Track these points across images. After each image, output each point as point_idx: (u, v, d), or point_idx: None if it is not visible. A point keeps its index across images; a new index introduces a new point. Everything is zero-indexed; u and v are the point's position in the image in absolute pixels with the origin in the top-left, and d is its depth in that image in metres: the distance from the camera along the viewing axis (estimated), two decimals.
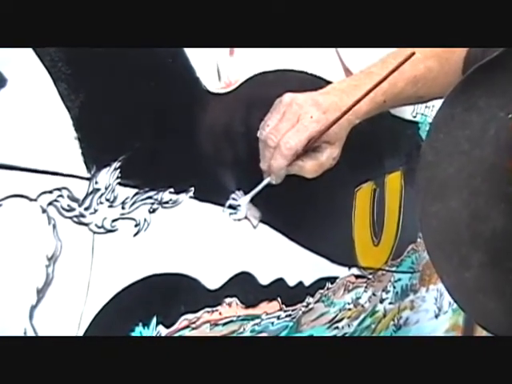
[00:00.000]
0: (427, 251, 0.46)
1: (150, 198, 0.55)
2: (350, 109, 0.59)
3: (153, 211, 0.56)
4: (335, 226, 0.78)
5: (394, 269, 0.95)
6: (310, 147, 0.60)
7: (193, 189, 0.59)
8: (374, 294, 0.90)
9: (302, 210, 0.72)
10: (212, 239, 0.62)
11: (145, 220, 0.55)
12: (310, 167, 0.60)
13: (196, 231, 0.60)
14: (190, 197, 0.59)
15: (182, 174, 0.58)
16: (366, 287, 0.88)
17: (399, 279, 0.97)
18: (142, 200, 0.55)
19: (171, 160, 0.57)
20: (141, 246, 0.55)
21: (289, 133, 0.59)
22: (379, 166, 0.86)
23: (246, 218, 0.65)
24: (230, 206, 0.63)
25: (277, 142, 0.59)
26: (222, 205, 0.63)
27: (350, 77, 0.68)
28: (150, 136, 0.55)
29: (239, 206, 0.64)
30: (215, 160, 0.62)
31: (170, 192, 0.57)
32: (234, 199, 0.64)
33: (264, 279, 0.68)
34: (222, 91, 0.61)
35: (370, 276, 0.89)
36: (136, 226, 0.54)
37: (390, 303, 0.96)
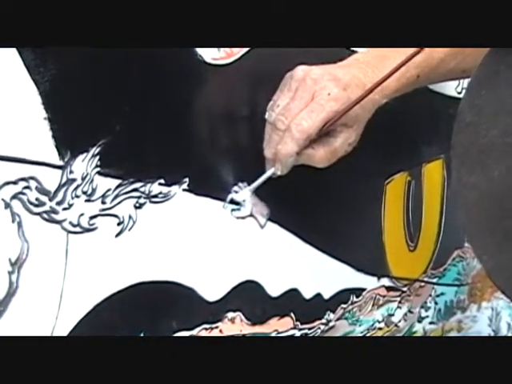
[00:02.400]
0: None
1: (135, 190, 0.56)
2: (376, 86, 0.59)
3: (139, 206, 0.57)
4: (361, 226, 0.79)
5: (435, 280, 0.95)
6: (325, 131, 0.61)
7: (187, 180, 0.60)
8: (410, 311, 0.90)
9: (320, 206, 0.73)
10: (211, 241, 0.63)
11: (130, 217, 0.56)
12: (321, 155, 0.61)
13: (191, 231, 0.61)
14: (184, 189, 0.60)
15: (174, 161, 0.59)
16: (400, 302, 0.88)
17: (442, 293, 0.97)
18: (127, 193, 0.56)
19: (161, 145, 0.58)
20: (125, 248, 0.56)
21: (302, 113, 0.59)
22: (415, 153, 0.86)
23: (251, 215, 0.65)
24: (232, 201, 0.64)
25: (287, 124, 0.59)
26: (223, 199, 0.64)
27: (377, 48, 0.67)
28: (136, 116, 0.56)
29: (243, 200, 0.64)
30: (214, 146, 0.63)
31: (160, 184, 0.58)
32: (236, 193, 0.64)
33: (274, 290, 0.69)
34: (222, 62, 0.62)
35: (405, 288, 0.89)
36: (119, 224, 0.55)
37: (431, 323, 0.96)
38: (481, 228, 0.45)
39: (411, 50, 0.59)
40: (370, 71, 0.62)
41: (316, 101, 0.59)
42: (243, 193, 0.64)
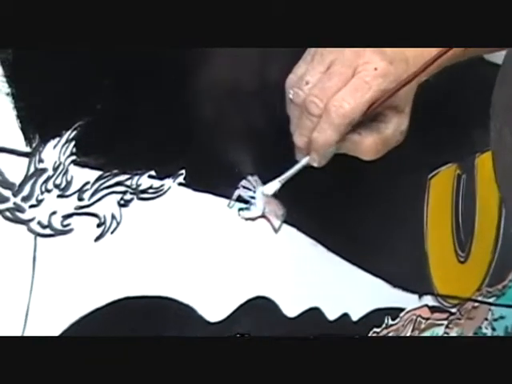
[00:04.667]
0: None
1: (120, 184, 0.57)
2: (432, 62, 0.59)
3: (124, 204, 0.57)
4: (398, 231, 0.79)
5: (492, 300, 0.95)
6: (370, 115, 0.61)
7: (183, 172, 0.60)
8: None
9: (347, 206, 0.73)
10: (213, 247, 0.63)
11: (113, 217, 0.56)
12: (369, 144, 0.62)
13: (189, 235, 0.61)
14: (180, 183, 0.60)
15: (167, 149, 0.60)
16: (447, 327, 0.88)
17: (501, 317, 0.97)
18: (109, 187, 0.56)
19: (152, 129, 0.58)
20: (107, 254, 0.56)
21: (342, 92, 0.60)
22: (466, 141, 0.85)
23: (263, 216, 0.66)
24: (240, 199, 0.64)
25: (323, 107, 0.60)
26: (228, 197, 0.64)
27: None
28: (121, 93, 0.56)
29: (253, 198, 0.65)
30: (217, 130, 0.63)
31: (150, 176, 0.58)
32: (245, 188, 0.65)
33: (291, 309, 0.69)
34: None
35: (454, 309, 0.88)
36: (99, 225, 0.56)
37: None
38: None
39: None
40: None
41: (359, 77, 0.60)
42: (262, 188, 0.64)
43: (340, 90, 0.59)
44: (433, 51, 0.60)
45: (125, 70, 0.56)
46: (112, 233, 0.56)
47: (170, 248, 0.60)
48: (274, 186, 0.64)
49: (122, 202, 0.57)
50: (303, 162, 0.63)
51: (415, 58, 0.61)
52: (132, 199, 0.57)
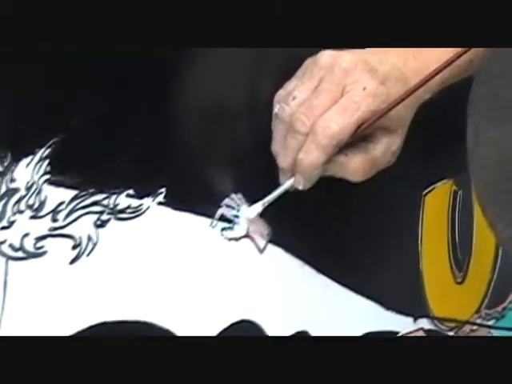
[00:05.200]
0: (478, 193, 0.47)
1: (96, 203, 0.57)
2: (427, 80, 0.60)
3: (101, 225, 0.57)
4: (391, 250, 0.78)
5: (491, 323, 0.94)
6: (359, 136, 0.61)
7: (163, 190, 0.60)
8: None
9: (337, 224, 0.72)
10: (194, 269, 0.63)
11: (89, 238, 0.57)
12: (356, 165, 0.62)
13: (169, 256, 0.61)
14: (160, 203, 0.60)
15: (146, 167, 0.60)
16: None
17: None
18: (85, 207, 0.56)
19: (130, 146, 0.59)
20: (82, 277, 0.56)
21: (330, 112, 0.60)
22: (462, 155, 0.85)
23: (247, 236, 0.65)
24: (223, 218, 0.64)
25: (310, 126, 0.60)
26: (211, 216, 0.64)
27: None
28: (97, 108, 0.57)
29: (237, 217, 0.65)
30: (199, 146, 0.63)
31: (129, 195, 0.59)
32: (229, 207, 0.65)
33: (277, 332, 0.68)
34: None
35: (452, 333, 0.88)
36: (75, 247, 0.56)
37: None
38: (499, 192, 0.46)
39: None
40: (412, 58, 0.62)
41: (348, 96, 0.60)
42: (247, 210, 0.64)
43: (328, 109, 0.60)
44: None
45: (101, 85, 0.57)
46: (88, 255, 0.57)
47: (149, 270, 0.60)
48: (256, 208, 0.64)
49: (99, 222, 0.57)
50: (287, 184, 0.62)
51: (416, 76, 0.61)
52: (109, 219, 0.58)
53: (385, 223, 0.76)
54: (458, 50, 0.59)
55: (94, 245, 0.56)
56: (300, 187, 0.62)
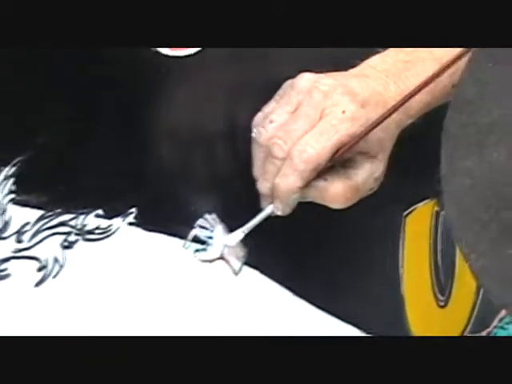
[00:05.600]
0: (451, 222, 0.48)
1: (63, 224, 0.57)
2: (403, 103, 0.60)
3: (68, 246, 0.57)
4: (371, 273, 0.78)
5: None
6: (339, 160, 0.62)
7: (134, 210, 0.60)
8: None
9: (315, 246, 0.73)
10: (166, 292, 0.63)
11: (55, 260, 0.56)
12: (337, 190, 0.62)
13: (140, 279, 0.61)
14: (130, 223, 0.60)
15: (116, 185, 0.60)
16: None
17: None
18: (51, 228, 0.56)
19: (99, 164, 0.59)
20: (48, 301, 0.56)
21: (307, 136, 0.60)
22: None
23: (221, 258, 0.65)
24: (197, 239, 0.64)
25: (287, 151, 0.60)
26: (184, 237, 0.64)
27: (398, 49, 0.68)
28: (65, 125, 0.57)
29: (211, 238, 0.65)
30: (172, 165, 0.63)
31: (98, 215, 0.58)
32: (202, 228, 0.65)
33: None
34: (183, 53, 0.63)
35: None
36: (40, 269, 0.56)
37: None
38: (472, 221, 0.47)
39: (439, 52, 0.60)
40: (392, 83, 0.63)
41: (326, 120, 0.60)
42: (233, 237, 0.64)
43: (306, 133, 0.60)
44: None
45: (69, 100, 0.57)
46: (54, 277, 0.56)
47: (119, 294, 0.60)
48: (237, 236, 0.64)
49: (66, 243, 0.57)
50: (267, 210, 0.63)
51: (396, 101, 0.61)
52: (77, 241, 0.57)
53: (364, 246, 0.76)
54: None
55: (61, 267, 0.56)
56: (279, 213, 0.62)
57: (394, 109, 0.60)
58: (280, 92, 0.63)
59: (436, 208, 0.84)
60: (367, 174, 0.63)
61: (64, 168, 0.57)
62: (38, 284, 0.55)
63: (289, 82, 0.63)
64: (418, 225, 0.82)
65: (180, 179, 0.64)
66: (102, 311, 0.59)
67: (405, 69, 0.64)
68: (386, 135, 0.63)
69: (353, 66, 0.65)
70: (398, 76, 0.63)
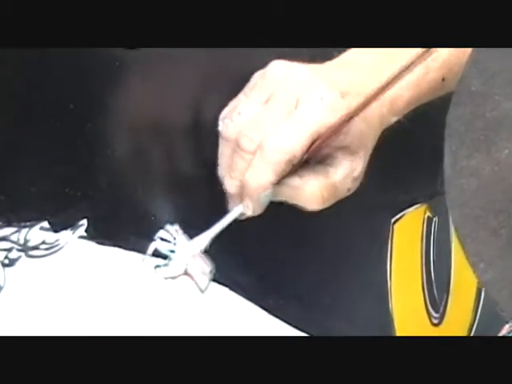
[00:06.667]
0: (456, 229, 0.47)
1: (4, 239, 0.57)
2: (383, 89, 0.59)
3: (10, 263, 0.57)
4: (355, 288, 0.78)
5: None
6: (316, 155, 0.61)
7: (85, 222, 0.60)
8: None
9: (292, 259, 0.72)
10: (125, 313, 0.63)
11: None
12: (312, 190, 0.61)
13: (93, 299, 0.61)
14: (81, 236, 0.60)
15: (64, 194, 0.59)
16: None
17: None
18: None
19: (44, 169, 0.59)
20: None
21: (281, 125, 0.60)
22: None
23: (186, 274, 0.64)
24: (157, 253, 0.63)
25: (258, 143, 0.60)
26: (142, 251, 0.63)
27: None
28: (6, 127, 0.57)
29: (173, 252, 0.63)
30: (128, 168, 0.63)
31: (43, 228, 0.58)
32: (163, 240, 0.64)
33: None
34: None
35: None
36: None
37: None
38: (479, 227, 0.46)
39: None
40: (372, 77, 0.62)
41: (302, 109, 0.60)
42: (196, 243, 0.63)
43: (279, 123, 0.60)
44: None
45: (9, 100, 0.57)
46: None
47: (69, 316, 0.60)
48: (202, 242, 0.63)
49: (7, 261, 0.57)
50: (235, 211, 0.62)
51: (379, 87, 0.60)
52: (19, 257, 0.57)
53: (346, 257, 0.76)
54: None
55: (1, 288, 0.56)
56: (249, 212, 0.62)
57: (375, 95, 0.59)
58: (250, 84, 0.63)
59: (428, 213, 0.85)
60: (346, 172, 0.63)
61: (3, 174, 0.57)
62: None
63: (259, 72, 0.62)
64: (407, 232, 0.83)
65: (137, 185, 0.64)
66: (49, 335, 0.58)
67: (385, 61, 0.63)
68: (367, 129, 0.63)
69: (330, 59, 0.65)
70: (379, 68, 0.63)
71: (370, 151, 0.64)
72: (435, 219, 0.85)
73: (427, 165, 0.83)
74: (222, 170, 0.63)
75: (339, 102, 0.60)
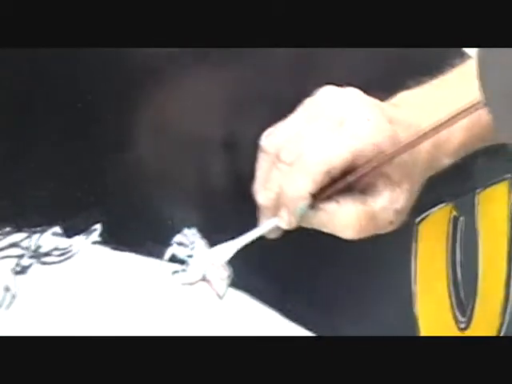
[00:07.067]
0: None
1: (14, 245, 0.56)
2: (436, 129, 0.59)
3: (21, 271, 0.57)
4: (378, 292, 0.77)
5: None
6: (357, 184, 0.61)
7: (99, 226, 0.60)
8: None
9: (312, 263, 0.72)
10: (141, 321, 0.62)
11: (6, 289, 0.56)
12: (349, 216, 0.61)
13: (108, 307, 0.61)
14: (95, 242, 0.60)
15: (76, 197, 0.59)
16: None
17: None
18: (0, 250, 0.56)
19: (56, 171, 0.58)
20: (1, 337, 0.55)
21: (322, 139, 0.60)
22: (463, 174, 0.84)
23: (203, 279, 0.64)
24: (174, 259, 0.63)
25: (297, 154, 0.60)
26: (159, 256, 0.63)
27: (429, 84, 0.69)
28: (17, 126, 0.56)
29: (191, 257, 0.64)
30: (144, 171, 0.63)
31: (55, 234, 0.58)
32: (181, 245, 0.64)
33: None
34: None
35: None
36: None
37: None
38: None
39: None
40: (426, 116, 0.62)
41: (347, 125, 0.60)
42: (222, 253, 0.63)
43: (322, 138, 0.60)
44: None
45: (20, 97, 0.57)
46: (7, 308, 0.56)
47: (84, 324, 0.59)
48: (226, 252, 0.63)
49: (18, 268, 0.57)
50: (268, 223, 0.62)
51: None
52: (31, 264, 0.57)
53: (368, 259, 0.75)
54: None
55: (13, 296, 0.56)
56: (283, 224, 0.62)
57: (427, 133, 0.59)
58: (297, 109, 0.64)
59: (454, 213, 0.84)
60: (386, 202, 0.63)
61: (13, 177, 0.56)
62: None
63: (308, 99, 0.63)
64: (432, 233, 0.82)
65: (154, 188, 0.64)
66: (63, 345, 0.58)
67: (437, 105, 0.63)
68: (412, 162, 0.63)
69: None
70: (431, 111, 0.63)
71: (415, 187, 0.64)
72: (461, 219, 0.85)
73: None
74: (258, 184, 0.63)
75: (386, 126, 0.61)
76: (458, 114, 0.58)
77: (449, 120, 0.59)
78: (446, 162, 0.66)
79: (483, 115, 0.63)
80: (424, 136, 0.60)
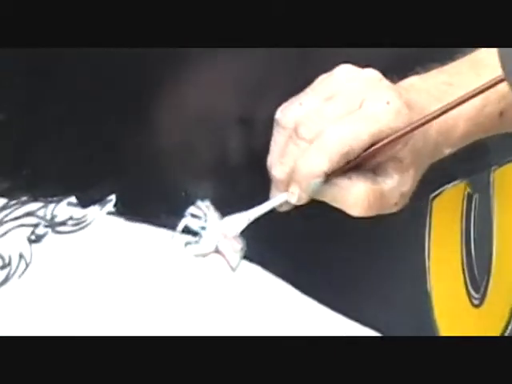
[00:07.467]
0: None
1: (30, 214, 0.56)
2: (444, 110, 0.61)
3: (36, 240, 0.57)
4: (391, 268, 0.78)
5: None
6: (369, 161, 0.62)
7: (113, 197, 0.60)
8: None
9: (328, 237, 0.72)
10: (153, 293, 0.63)
11: (21, 256, 0.56)
12: (360, 193, 0.62)
13: (121, 277, 0.61)
14: (109, 212, 0.60)
15: (91, 168, 0.59)
16: None
17: None
18: (16, 219, 0.56)
19: (70, 142, 0.58)
20: (13, 303, 0.56)
21: (343, 120, 0.61)
22: (478, 151, 0.84)
23: (216, 251, 0.64)
24: (188, 230, 0.64)
25: (317, 132, 0.60)
26: (172, 228, 0.63)
27: (438, 70, 0.69)
28: (30, 97, 0.56)
29: (204, 229, 0.64)
30: (156, 142, 0.63)
31: (70, 204, 0.58)
32: (194, 217, 0.64)
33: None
34: None
35: None
36: (3, 267, 0.56)
37: None
38: None
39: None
40: (434, 101, 0.64)
41: (367, 107, 0.61)
42: (234, 225, 0.63)
43: (342, 117, 0.61)
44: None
45: (36, 68, 0.56)
46: (20, 276, 0.56)
47: (95, 295, 0.60)
48: (240, 224, 0.64)
49: (33, 237, 0.57)
50: (279, 198, 0.63)
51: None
52: (46, 233, 0.57)
53: (381, 234, 0.75)
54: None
55: (27, 264, 0.56)
56: (293, 200, 0.62)
57: (437, 114, 0.61)
58: (313, 85, 0.64)
59: (468, 190, 0.84)
60: (395, 184, 0.64)
61: (29, 148, 0.56)
62: (0, 284, 0.55)
63: (323, 75, 0.64)
64: (446, 210, 0.82)
65: (169, 160, 0.64)
66: (74, 314, 0.59)
67: (444, 92, 0.65)
68: (423, 150, 0.64)
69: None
70: (439, 97, 0.64)
71: (419, 172, 0.65)
72: (475, 196, 0.85)
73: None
74: (273, 158, 0.64)
75: (405, 110, 0.61)
76: (479, 90, 0.58)
77: (469, 96, 0.59)
78: (447, 151, 0.67)
79: (488, 103, 0.64)
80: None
